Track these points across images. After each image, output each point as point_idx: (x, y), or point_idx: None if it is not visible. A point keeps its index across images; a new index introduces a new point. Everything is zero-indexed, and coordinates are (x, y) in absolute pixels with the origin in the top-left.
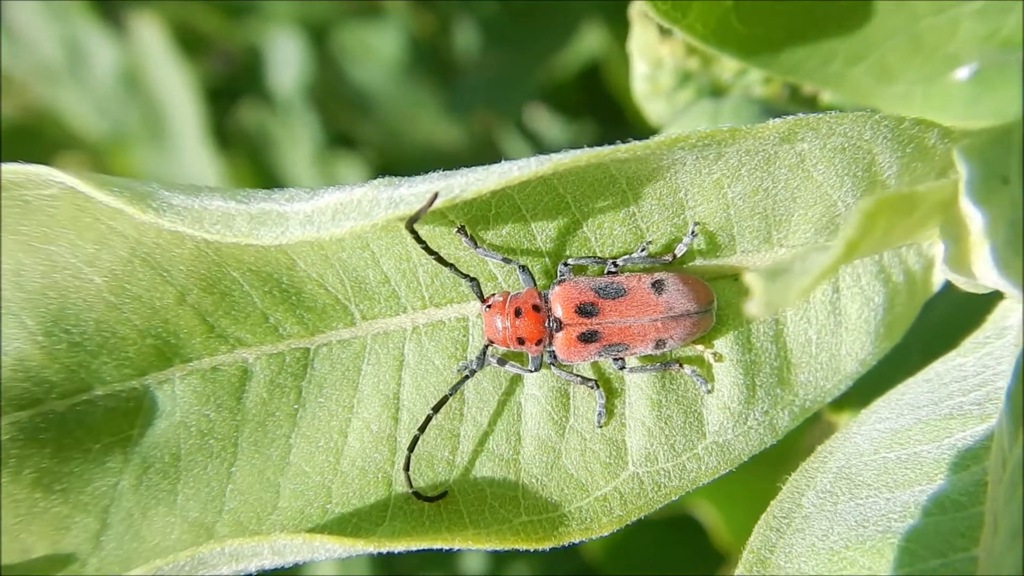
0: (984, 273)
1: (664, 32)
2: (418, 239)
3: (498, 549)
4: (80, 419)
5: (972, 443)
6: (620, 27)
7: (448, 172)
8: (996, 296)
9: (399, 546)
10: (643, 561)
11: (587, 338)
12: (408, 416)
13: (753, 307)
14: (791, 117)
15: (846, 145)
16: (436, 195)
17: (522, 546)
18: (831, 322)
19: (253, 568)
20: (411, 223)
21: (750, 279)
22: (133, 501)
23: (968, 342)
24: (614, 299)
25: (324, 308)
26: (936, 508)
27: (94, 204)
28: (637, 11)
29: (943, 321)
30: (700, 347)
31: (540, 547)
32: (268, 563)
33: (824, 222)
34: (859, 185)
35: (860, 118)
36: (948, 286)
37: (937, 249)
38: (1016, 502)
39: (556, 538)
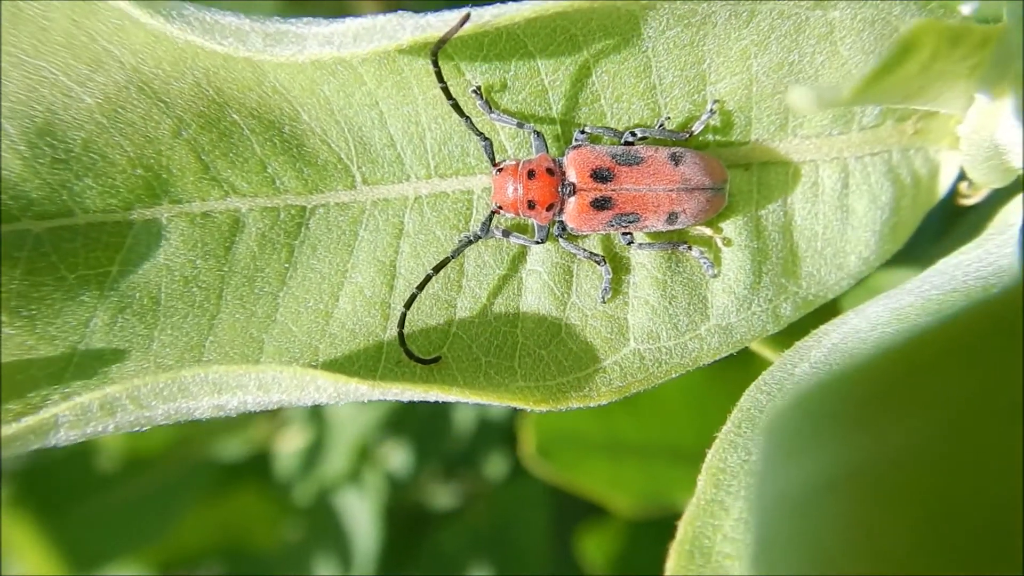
0: (1012, 127)
1: None
2: (440, 76)
3: (495, 404)
4: (57, 245)
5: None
6: None
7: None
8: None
9: (393, 389)
10: (644, 568)
11: (600, 204)
12: (404, 284)
13: (801, 98)
14: None
15: (876, 18)
16: (467, 16)
17: (520, 404)
18: (838, 218)
19: (235, 402)
20: (438, 47)
21: (798, 90)
22: (104, 342)
23: (969, 244)
24: (631, 166)
25: (325, 166)
26: None
27: (92, 21)
28: None
29: None
30: (708, 230)
31: (538, 408)
32: (252, 399)
33: (841, 110)
34: None
35: None
36: (949, 199)
37: (944, 155)
38: None
39: (554, 402)
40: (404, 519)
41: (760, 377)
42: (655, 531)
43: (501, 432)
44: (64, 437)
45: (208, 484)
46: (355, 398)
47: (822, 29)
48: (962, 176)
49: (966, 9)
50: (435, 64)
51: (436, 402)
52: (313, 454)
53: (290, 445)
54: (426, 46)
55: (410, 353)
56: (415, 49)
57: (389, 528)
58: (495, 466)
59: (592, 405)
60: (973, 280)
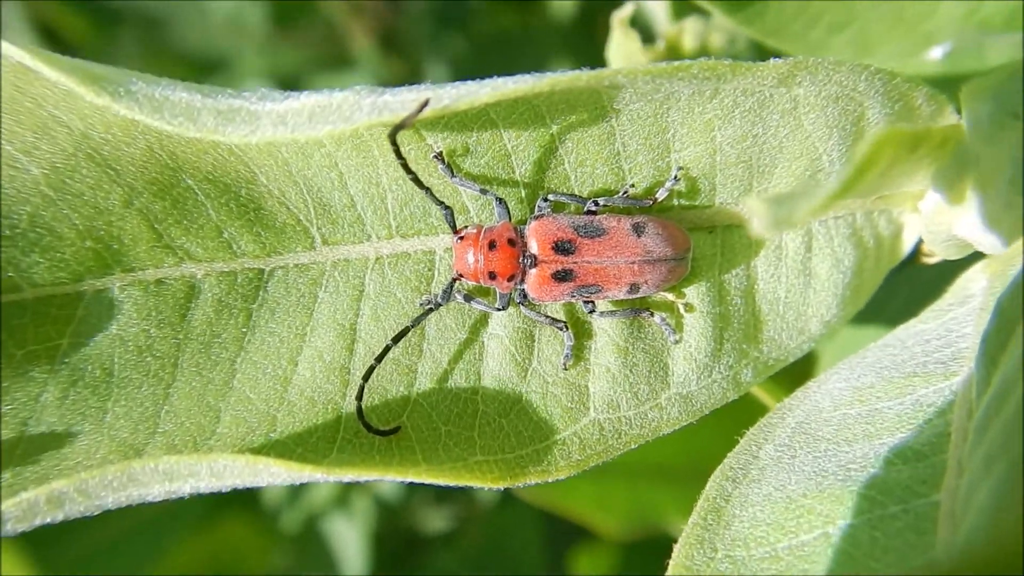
0: (969, 224)
1: (646, 41)
2: (399, 153)
3: (451, 485)
4: (4, 321)
5: (936, 399)
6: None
7: (438, 84)
8: (955, 271)
9: (348, 475)
10: None
11: (561, 277)
12: (364, 348)
13: (759, 224)
14: (791, 58)
15: (840, 95)
16: (426, 102)
17: (476, 484)
18: (800, 282)
19: (187, 489)
20: (396, 132)
21: (752, 203)
22: (56, 416)
23: (928, 311)
24: (592, 238)
25: (283, 228)
26: (898, 458)
27: (37, 87)
28: (619, 19)
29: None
30: (671, 296)
31: (495, 486)
32: (205, 485)
33: (806, 176)
34: (846, 139)
35: (856, 68)
36: (909, 261)
37: (907, 217)
38: (991, 434)
39: (512, 478)
40: (396, 544)
41: (724, 462)
42: (647, 552)
43: None
44: (11, 530)
45: (197, 514)
46: (309, 481)
47: (786, 105)
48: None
49: (936, 53)
50: (393, 144)
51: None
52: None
53: None
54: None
55: (369, 426)
56: (372, 127)
57: (380, 553)
58: (487, 490)
59: (550, 480)
60: (934, 364)
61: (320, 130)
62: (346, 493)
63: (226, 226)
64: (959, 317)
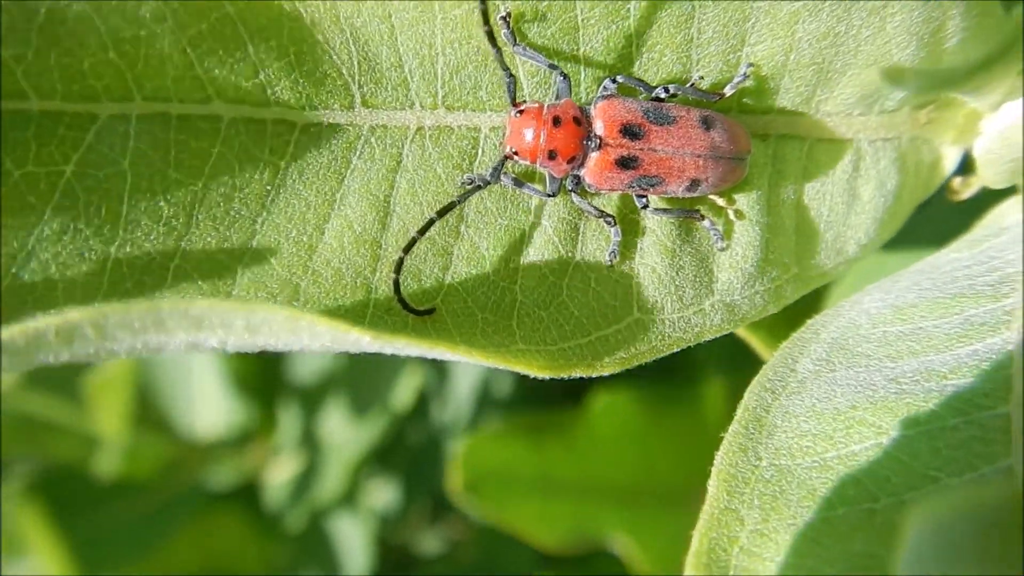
0: None
1: None
2: None
3: (497, 366)
4: (5, 132)
5: (988, 318)
6: None
7: None
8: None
9: (396, 343)
10: None
11: (625, 163)
12: (399, 223)
13: (909, 84)
14: None
15: None
16: None
17: (522, 369)
18: (844, 201)
19: (214, 341)
20: None
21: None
22: (51, 254)
23: (960, 242)
24: (662, 125)
25: (323, 80)
26: (954, 373)
27: None
28: None
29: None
30: (722, 201)
31: (541, 374)
32: (234, 341)
33: (868, 91)
34: (921, 50)
35: None
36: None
37: (947, 148)
38: None
39: (557, 368)
40: (391, 560)
41: (761, 374)
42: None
43: None
44: (8, 365)
45: (196, 510)
46: (349, 348)
47: (877, 2)
48: (958, 171)
49: None
50: None
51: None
52: (306, 479)
53: (282, 472)
54: None
55: (405, 302)
56: None
57: (377, 566)
58: None
59: (593, 376)
60: (981, 286)
61: None
62: (351, 490)
63: (264, 66)
64: (999, 246)
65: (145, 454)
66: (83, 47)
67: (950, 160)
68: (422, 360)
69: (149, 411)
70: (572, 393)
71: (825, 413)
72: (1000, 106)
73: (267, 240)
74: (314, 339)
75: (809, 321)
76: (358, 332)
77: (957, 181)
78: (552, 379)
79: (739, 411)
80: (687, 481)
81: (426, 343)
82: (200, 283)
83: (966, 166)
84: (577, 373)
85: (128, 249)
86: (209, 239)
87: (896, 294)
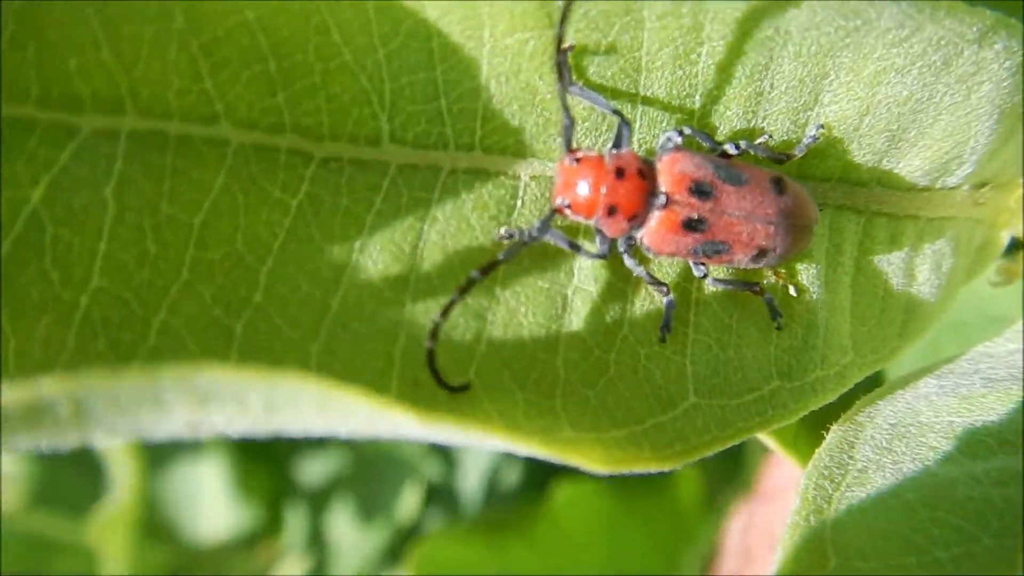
0: None
1: None
2: (566, 17)
3: (549, 459)
4: None
5: None
6: None
7: None
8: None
9: (446, 427)
10: None
11: (692, 226)
12: (425, 280)
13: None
14: (998, 13)
15: (1021, 67)
16: None
17: (577, 463)
18: (901, 281)
19: (219, 421)
20: None
21: None
22: (9, 297)
23: (1012, 331)
24: (734, 185)
25: (348, 107)
26: None
27: None
28: None
29: None
30: (783, 273)
31: (597, 470)
32: (243, 421)
33: (938, 163)
34: (1001, 123)
35: None
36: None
37: (998, 234)
38: None
39: (614, 462)
40: None
41: (816, 458)
42: None
43: None
44: None
45: None
46: (383, 433)
47: (967, 68)
48: (1006, 254)
49: None
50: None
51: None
52: None
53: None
54: None
55: (439, 377)
56: None
57: None
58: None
59: (655, 472)
60: None
61: None
62: None
63: (282, 86)
64: None
65: (150, 564)
66: (70, 41)
67: (1000, 244)
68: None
69: (153, 517)
70: (534, 483)
71: (895, 511)
72: None
73: (273, 296)
74: (345, 420)
75: (858, 403)
76: (401, 412)
77: (1001, 265)
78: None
79: (796, 503)
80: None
81: (479, 427)
82: (189, 344)
83: (1013, 251)
84: (638, 468)
85: (103, 299)
86: (203, 289)
87: (955, 381)
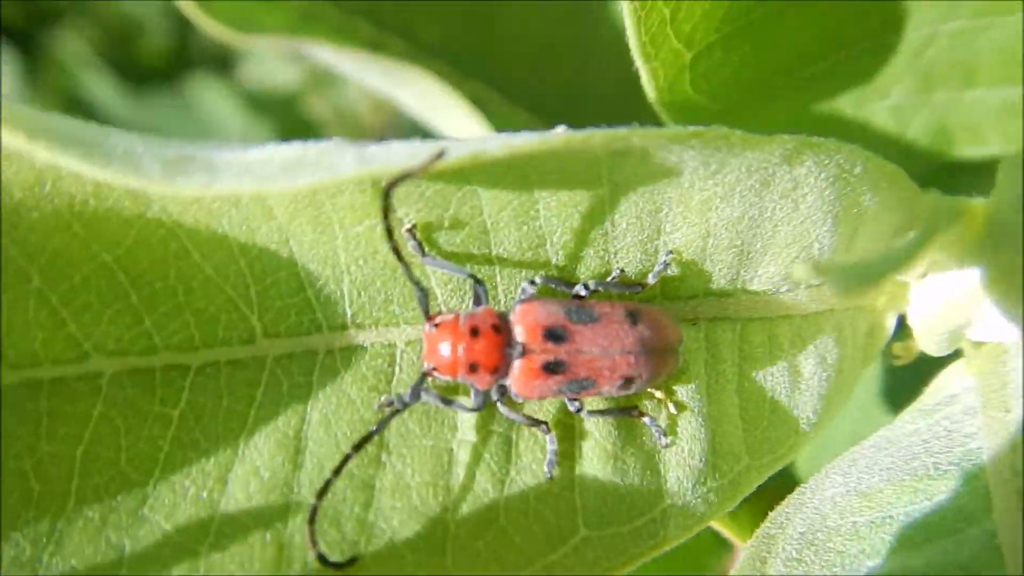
0: (985, 314)
1: None
2: (387, 214)
3: None
4: None
5: (965, 502)
6: None
7: (435, 140)
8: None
9: None
10: None
11: (552, 368)
12: (312, 462)
13: (836, 283)
14: (798, 135)
15: (838, 176)
16: (443, 152)
17: None
18: (786, 379)
19: None
20: (399, 180)
21: (803, 267)
22: None
23: (911, 411)
24: (587, 324)
25: (217, 315)
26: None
27: None
28: None
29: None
30: (660, 393)
31: None
32: None
33: (793, 265)
34: (837, 225)
35: (855, 151)
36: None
37: (881, 315)
38: None
39: None
40: None
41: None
42: None
43: None
44: None
45: None
46: None
47: (787, 185)
48: (896, 335)
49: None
50: (387, 199)
51: None
52: None
53: None
54: (361, 181)
55: (323, 558)
56: (348, 184)
57: None
58: None
59: None
60: (946, 464)
61: (298, 181)
62: None
63: (147, 312)
64: (953, 416)
65: None
66: None
67: (887, 326)
68: None
69: None
70: None
71: None
72: (926, 276)
73: (160, 505)
74: None
75: (772, 513)
76: None
77: (897, 346)
78: None
79: None
80: None
81: None
82: (77, 569)
83: (903, 329)
84: None
85: None
86: (91, 515)
87: (857, 476)
